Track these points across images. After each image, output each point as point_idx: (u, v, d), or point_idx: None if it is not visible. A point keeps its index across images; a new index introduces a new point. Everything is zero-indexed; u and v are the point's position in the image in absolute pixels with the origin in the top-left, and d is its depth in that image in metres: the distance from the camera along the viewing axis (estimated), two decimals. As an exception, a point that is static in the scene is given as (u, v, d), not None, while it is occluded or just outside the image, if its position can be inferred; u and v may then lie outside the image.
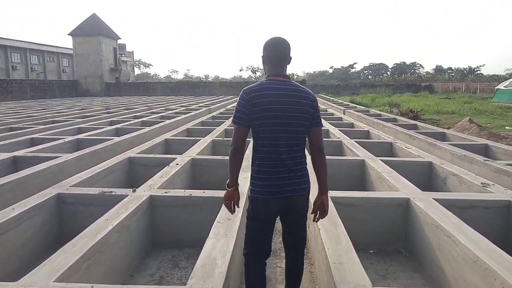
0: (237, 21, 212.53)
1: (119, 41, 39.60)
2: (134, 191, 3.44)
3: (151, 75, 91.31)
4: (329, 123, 9.36)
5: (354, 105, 17.70)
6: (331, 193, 3.31)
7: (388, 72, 78.56)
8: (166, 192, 3.43)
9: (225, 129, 8.01)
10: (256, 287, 2.13)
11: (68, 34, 35.06)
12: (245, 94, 2.01)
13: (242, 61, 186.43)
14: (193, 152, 5.41)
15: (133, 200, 3.18)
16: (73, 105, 17.88)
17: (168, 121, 9.99)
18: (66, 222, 3.34)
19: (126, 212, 2.90)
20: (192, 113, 12.93)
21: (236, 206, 2.14)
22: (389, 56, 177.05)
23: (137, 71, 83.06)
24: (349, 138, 6.81)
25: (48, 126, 8.84)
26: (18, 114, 12.57)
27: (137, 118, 11.05)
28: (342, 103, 18.89)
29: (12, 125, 9.07)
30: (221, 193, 3.32)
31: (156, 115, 11.97)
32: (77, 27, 35.22)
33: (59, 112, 13.28)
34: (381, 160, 4.83)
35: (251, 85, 2.07)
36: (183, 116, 11.77)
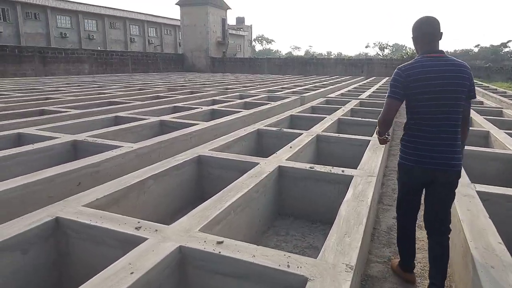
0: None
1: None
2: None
3: (273, 51, 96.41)
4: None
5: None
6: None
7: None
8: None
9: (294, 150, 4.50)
10: (406, 237, 2.74)
11: (175, 4, 37.76)
12: (401, 71, 2.43)
13: (368, 37, 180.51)
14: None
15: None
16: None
17: (201, 125, 6.19)
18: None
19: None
20: (265, 107, 9.00)
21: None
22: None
23: (259, 47, 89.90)
24: None
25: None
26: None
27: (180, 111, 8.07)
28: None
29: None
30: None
31: (207, 108, 8.54)
32: (184, -5, 37.70)
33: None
34: None
35: (407, 62, 2.46)
36: (246, 112, 7.95)
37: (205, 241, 2.22)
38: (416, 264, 2.93)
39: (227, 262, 2.07)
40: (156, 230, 2.35)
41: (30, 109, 7.65)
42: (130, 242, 2.24)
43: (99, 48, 39.45)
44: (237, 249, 2.13)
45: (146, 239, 2.23)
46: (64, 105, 8.42)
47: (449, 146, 2.39)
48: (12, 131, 5.22)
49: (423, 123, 2.42)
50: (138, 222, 2.45)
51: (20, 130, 5.25)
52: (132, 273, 1.88)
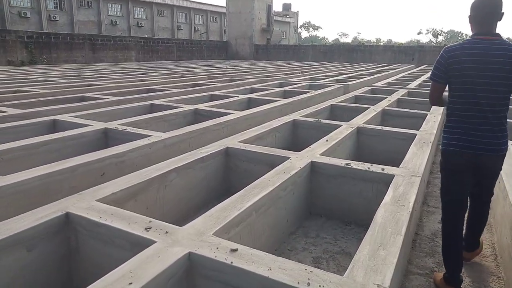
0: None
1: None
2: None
3: (319, 38, 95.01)
4: None
5: None
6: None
7: None
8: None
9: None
10: (452, 240, 2.51)
11: (222, -9, 38.27)
12: (445, 53, 2.32)
13: (421, 24, 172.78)
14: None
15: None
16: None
17: (235, 114, 5.93)
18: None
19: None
20: (305, 96, 8.71)
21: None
22: None
23: (305, 33, 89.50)
24: None
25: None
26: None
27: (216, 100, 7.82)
28: None
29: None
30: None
31: (244, 96, 8.23)
32: (231, -18, 37.77)
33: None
34: None
35: (454, 43, 2.34)
36: (284, 101, 7.61)
37: (217, 248, 1.99)
38: (464, 278, 2.56)
39: (239, 274, 1.82)
40: (167, 232, 2.14)
41: (71, 96, 7.76)
42: (137, 244, 2.06)
43: (146, 35, 40.30)
44: (252, 260, 1.88)
45: (154, 242, 2.03)
46: (104, 92, 8.46)
47: (494, 131, 2.31)
48: (48, 117, 5.24)
49: (467, 107, 2.32)
50: (150, 222, 2.26)
51: (56, 117, 5.26)
52: (130, 283, 1.68)
